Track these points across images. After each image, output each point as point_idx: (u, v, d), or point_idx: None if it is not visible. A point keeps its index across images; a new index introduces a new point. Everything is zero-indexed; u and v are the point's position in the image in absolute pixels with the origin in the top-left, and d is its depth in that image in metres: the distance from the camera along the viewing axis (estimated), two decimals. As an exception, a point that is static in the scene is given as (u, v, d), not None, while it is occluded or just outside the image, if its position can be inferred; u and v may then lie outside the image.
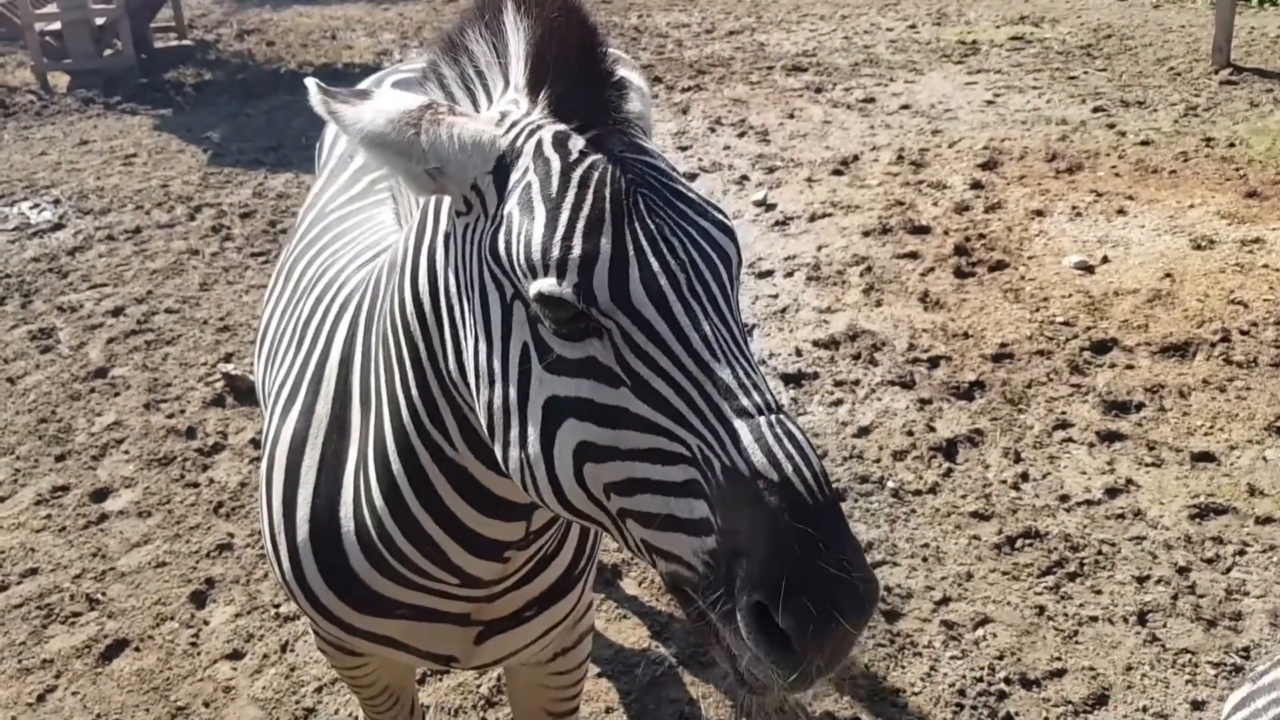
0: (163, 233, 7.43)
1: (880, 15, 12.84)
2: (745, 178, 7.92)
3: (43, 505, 4.63)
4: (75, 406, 5.34)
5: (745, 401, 1.38)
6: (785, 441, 1.36)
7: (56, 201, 8.15)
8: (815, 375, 5.26)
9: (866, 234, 6.74)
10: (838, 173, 7.83)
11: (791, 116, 9.21)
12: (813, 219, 7.09)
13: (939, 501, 4.32)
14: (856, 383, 5.16)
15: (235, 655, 3.77)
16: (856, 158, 8.09)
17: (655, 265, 1.45)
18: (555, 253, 1.44)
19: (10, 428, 5.20)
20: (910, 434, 4.72)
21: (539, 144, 1.53)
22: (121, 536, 4.41)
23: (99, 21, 11.91)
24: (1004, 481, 4.42)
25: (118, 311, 6.28)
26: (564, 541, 2.04)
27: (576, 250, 1.44)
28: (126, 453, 4.95)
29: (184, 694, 3.63)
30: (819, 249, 6.64)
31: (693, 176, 8.01)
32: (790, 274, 6.35)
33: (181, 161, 8.91)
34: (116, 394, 5.44)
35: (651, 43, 12.13)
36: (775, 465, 1.34)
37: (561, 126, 1.53)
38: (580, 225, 1.46)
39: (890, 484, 4.43)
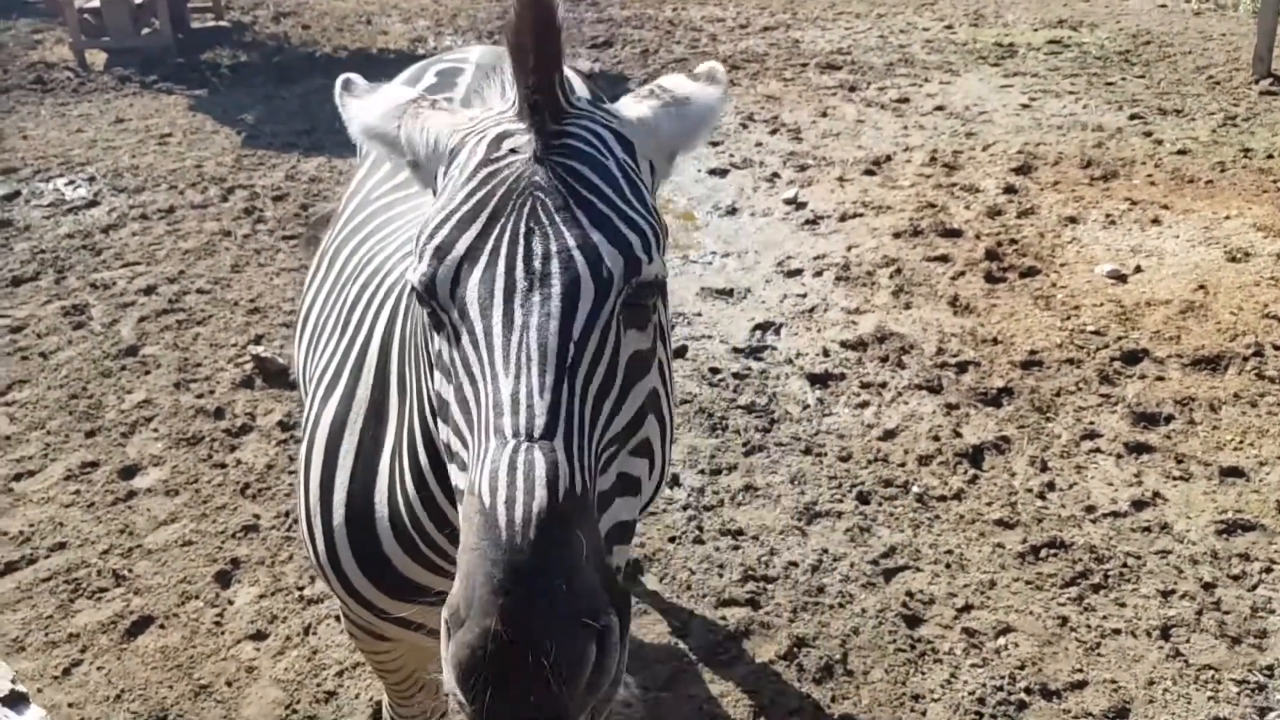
0: (196, 213, 7.48)
1: (916, 15, 12.75)
2: (776, 175, 7.89)
3: (72, 480, 4.68)
4: (106, 383, 5.40)
5: (506, 420, 1.35)
6: (516, 471, 1.30)
7: (92, 179, 8.21)
8: (842, 376, 5.24)
9: (897, 235, 6.71)
10: (870, 173, 7.80)
11: (824, 115, 9.17)
12: (843, 219, 7.06)
13: (964, 508, 4.31)
14: (884, 385, 5.14)
15: (258, 636, 3.81)
16: (889, 158, 8.05)
17: (500, 268, 1.44)
18: (422, 240, 1.49)
19: (42, 402, 5.26)
20: (936, 439, 4.71)
21: (478, 141, 1.56)
22: (149, 514, 4.45)
23: (137, 0, 11.98)
24: (1030, 490, 4.40)
25: (150, 290, 6.33)
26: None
27: (437, 240, 1.48)
28: (155, 431, 5.00)
29: (207, 672, 3.67)
30: (849, 249, 6.61)
31: (723, 173, 8.00)
32: (819, 273, 6.33)
33: (216, 142, 8.96)
34: (147, 372, 5.48)
35: (685, 36, 12.10)
36: (492, 491, 1.30)
37: (508, 127, 1.55)
38: (456, 218, 1.49)
39: (915, 489, 4.41)
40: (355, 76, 1.90)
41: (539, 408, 1.36)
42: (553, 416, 1.36)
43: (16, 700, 0.62)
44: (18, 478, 4.72)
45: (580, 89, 2.84)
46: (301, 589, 4.01)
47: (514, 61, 1.51)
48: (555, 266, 1.43)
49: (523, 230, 1.45)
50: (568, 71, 2.87)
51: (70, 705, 3.53)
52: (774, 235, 6.92)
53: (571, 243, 1.45)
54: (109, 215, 7.50)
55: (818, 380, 5.21)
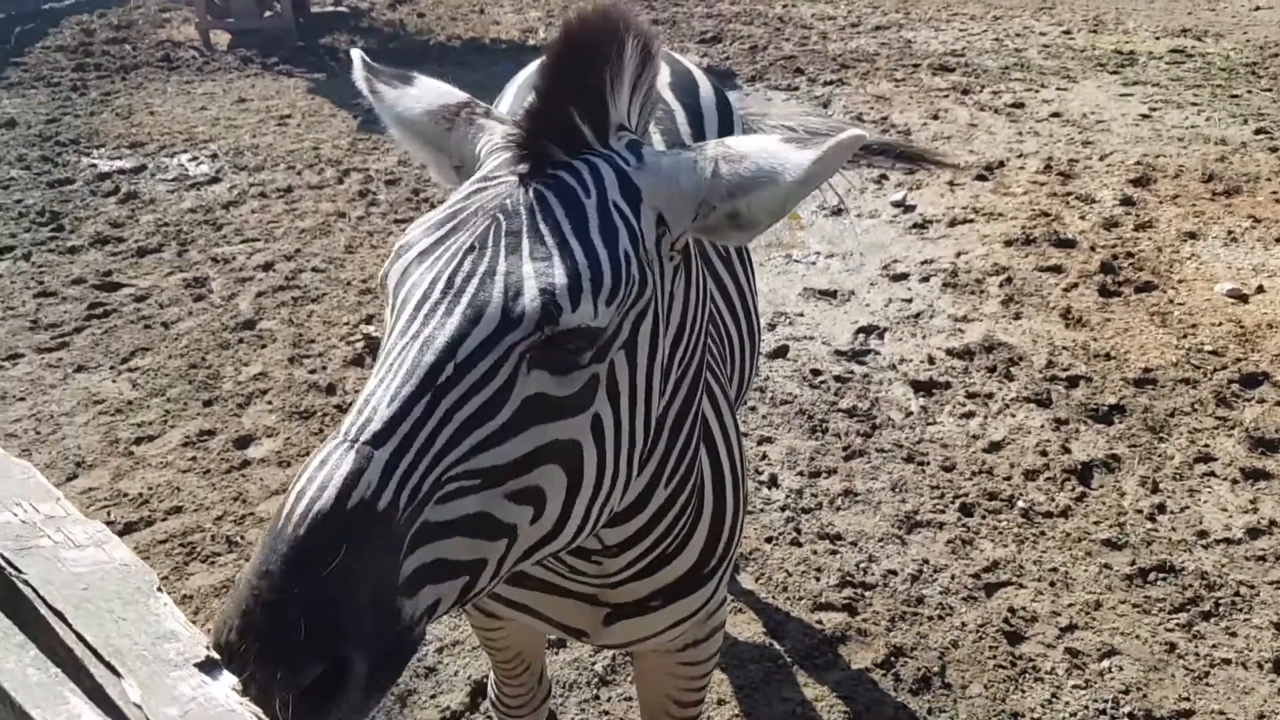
0: (312, 193, 7.68)
1: (1034, 18, 12.48)
2: (884, 177, 7.81)
3: (189, 447, 4.86)
4: (224, 355, 5.59)
5: (347, 420, 1.35)
6: (321, 469, 1.28)
7: (214, 156, 8.49)
8: (947, 385, 5.17)
9: (1008, 243, 6.59)
10: (981, 178, 7.67)
11: (935, 117, 9.04)
12: (953, 224, 6.96)
13: (1070, 526, 4.22)
14: (990, 396, 5.07)
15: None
16: (1002, 164, 7.90)
17: (430, 275, 1.45)
18: (399, 239, 1.54)
19: (163, 370, 5.46)
20: (1044, 454, 4.62)
21: (495, 157, 1.60)
22: (261, 483, 4.60)
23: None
24: (1140, 511, 4.29)
25: (267, 266, 6.53)
26: (686, 543, 2.04)
27: (405, 238, 1.52)
28: (270, 403, 5.16)
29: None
30: (958, 255, 6.52)
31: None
32: (926, 279, 6.25)
33: (333, 125, 9.19)
34: (263, 345, 5.66)
35: (795, 34, 12.02)
36: (295, 481, 1.28)
37: (517, 150, 1.56)
38: (431, 223, 1.52)
39: (1020, 503, 4.34)
40: (361, 55, 1.90)
41: (380, 415, 1.33)
42: (389, 427, 1.32)
43: (211, 666, 0.66)
44: (138, 441, 4.92)
45: (665, 98, 2.84)
46: (405, 566, 4.10)
47: (539, 77, 1.54)
48: (472, 286, 1.41)
49: (466, 245, 1.46)
50: (664, 78, 2.89)
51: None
52: (880, 237, 6.85)
53: (500, 268, 1.42)
54: (230, 192, 7.74)
55: (922, 388, 5.15)
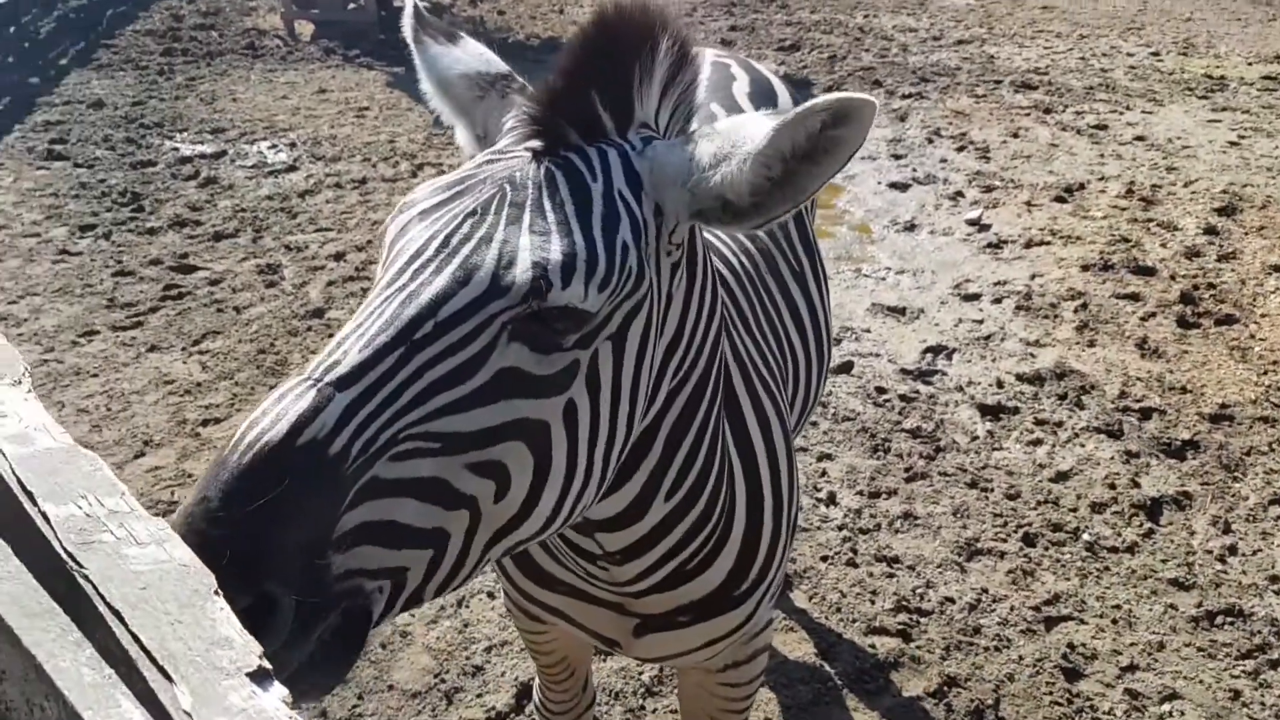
0: (386, 186, 7.76)
1: (1121, 38, 12.21)
2: (960, 194, 7.69)
3: (254, 431, 4.92)
4: (293, 342, 5.66)
5: (314, 362, 1.32)
6: (279, 403, 1.25)
7: (292, 145, 8.62)
8: (1015, 410, 5.07)
9: (1085, 268, 6.44)
10: (1060, 200, 7.51)
11: (1015, 135, 8.88)
12: (1028, 245, 6.82)
13: (1136, 562, 4.11)
14: (1059, 424, 4.95)
15: (415, 603, 3.93)
16: (1082, 186, 7.74)
17: (428, 234, 1.43)
18: (409, 194, 1.54)
19: (232, 354, 5.55)
20: (1112, 487, 4.50)
21: (509, 132, 1.60)
22: (322, 472, 4.64)
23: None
24: (1210, 552, 4.17)
25: (339, 256, 6.60)
26: (712, 561, 1.99)
27: (409, 196, 1.52)
28: (333, 393, 5.20)
29: (365, 632, 3.80)
30: (1032, 278, 6.39)
31: (904, 187, 7.84)
32: (998, 300, 6.14)
33: (409, 119, 9.28)
34: (330, 334, 5.72)
35: (875, 45, 11.90)
36: (251, 415, 1.26)
37: (533, 127, 1.55)
38: (440, 184, 1.52)
39: (1085, 536, 4.23)
40: (416, 3, 1.89)
41: (350, 359, 1.30)
42: (356, 373, 1.28)
43: (263, 676, 0.65)
44: (204, 423, 4.99)
45: (742, 106, 2.81)
46: (458, 562, 4.11)
47: (566, 58, 1.54)
48: (466, 249, 1.40)
49: (468, 209, 1.45)
50: (742, 86, 2.85)
51: (238, 646, 3.71)
52: (953, 256, 6.74)
53: (498, 236, 1.41)
54: (306, 181, 7.85)
55: (989, 412, 5.06)
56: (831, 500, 4.44)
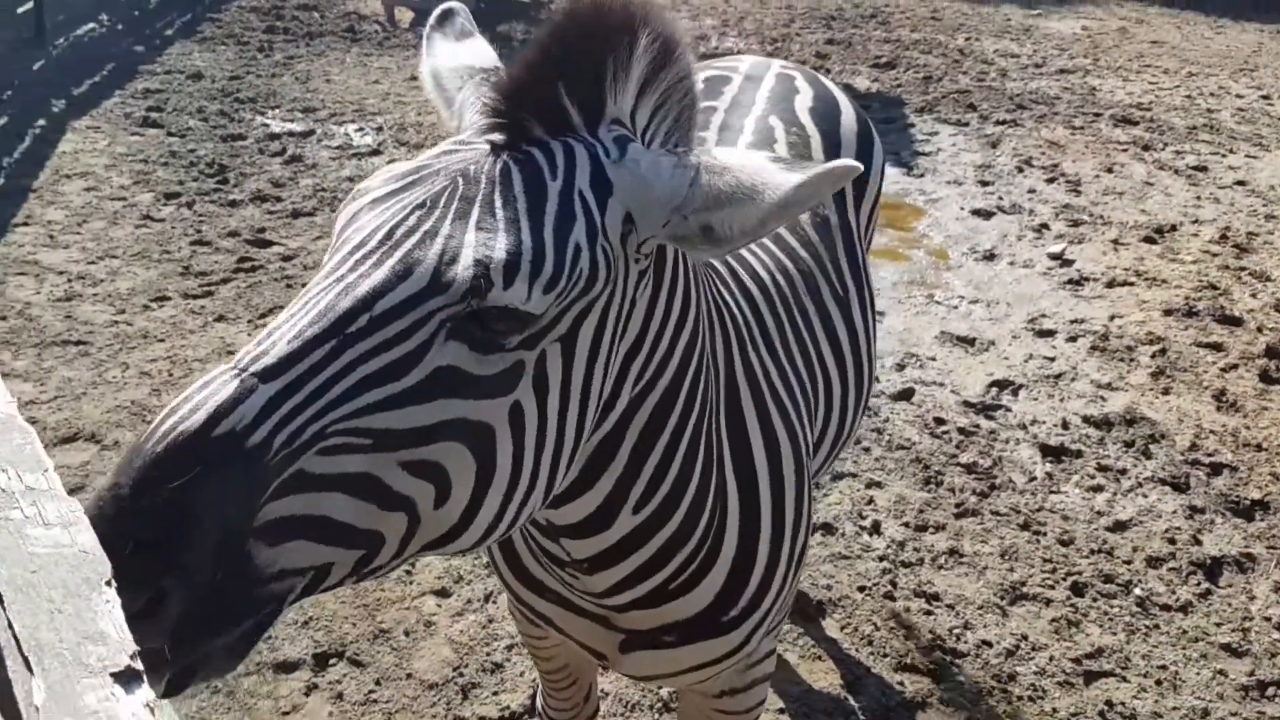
0: (464, 175, 7.81)
1: (1232, 79, 11.80)
2: (1045, 226, 7.48)
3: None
4: (354, 323, 5.70)
5: (242, 351, 1.28)
6: (200, 391, 1.22)
7: (379, 129, 8.73)
8: (1079, 454, 4.89)
9: (1168, 313, 6.21)
10: (1149, 240, 7.26)
11: (1110, 170, 8.62)
12: (1111, 285, 6.60)
13: (1188, 623, 3.93)
14: (1123, 472, 4.77)
15: (442, 593, 3.92)
16: (1174, 228, 7.47)
17: (374, 225, 1.39)
18: (364, 181, 1.50)
19: (295, 330, 5.61)
20: (1172, 541, 4.31)
21: (469, 124, 1.57)
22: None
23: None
24: (1268, 619, 3.96)
25: (409, 242, 6.65)
26: (696, 582, 1.93)
27: (364, 183, 1.48)
28: (388, 377, 5.23)
29: (389, 618, 3.81)
30: (1111, 319, 6.18)
31: (987, 215, 7.66)
32: (1073, 339, 5.94)
33: (495, 110, 9.33)
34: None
35: (974, 68, 11.67)
36: (171, 402, 1.22)
37: (495, 119, 1.50)
38: (395, 173, 1.47)
39: (1138, 590, 4.06)
40: (459, 7, 1.87)
41: (277, 350, 1.26)
42: (282, 364, 1.25)
43: (130, 678, 0.62)
44: (262, 396, 5.05)
45: (802, 122, 2.73)
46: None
47: (532, 49, 1.50)
48: (410, 242, 1.35)
49: (417, 201, 1.41)
50: (804, 102, 2.77)
51: (264, 621, 3.73)
52: (1031, 289, 6.55)
53: (444, 230, 1.36)
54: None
55: (1051, 453, 4.89)
56: (875, 530, 4.33)
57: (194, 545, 1.15)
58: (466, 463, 1.37)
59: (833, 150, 2.72)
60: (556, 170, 1.45)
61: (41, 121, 8.17)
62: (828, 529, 4.31)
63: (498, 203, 1.39)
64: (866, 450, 4.84)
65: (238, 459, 1.19)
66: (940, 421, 5.09)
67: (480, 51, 1.78)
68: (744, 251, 2.21)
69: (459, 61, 1.75)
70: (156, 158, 7.77)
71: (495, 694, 3.53)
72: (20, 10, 9.41)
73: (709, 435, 1.81)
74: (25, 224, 6.54)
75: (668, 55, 1.54)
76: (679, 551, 1.85)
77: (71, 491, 4.21)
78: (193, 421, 1.18)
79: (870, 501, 4.49)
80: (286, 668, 3.59)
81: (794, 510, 2.02)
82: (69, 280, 5.91)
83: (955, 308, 6.31)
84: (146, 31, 11.05)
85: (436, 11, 1.88)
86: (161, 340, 5.47)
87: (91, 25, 10.60)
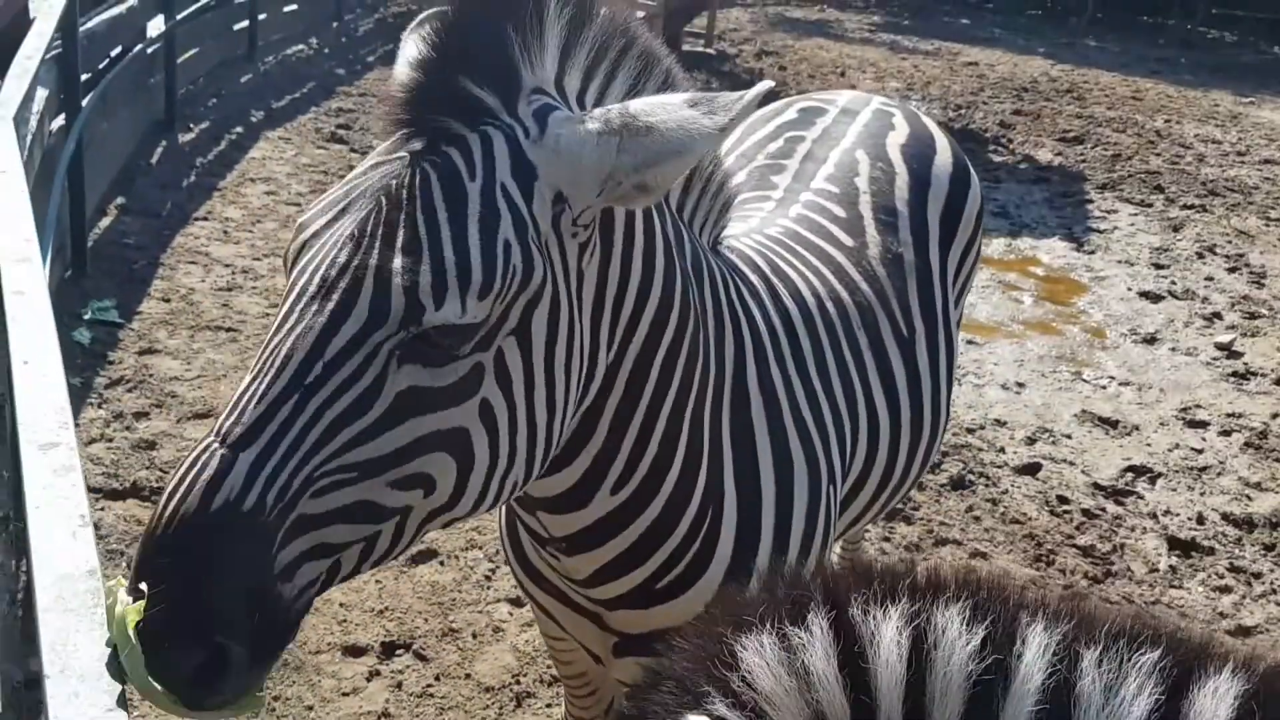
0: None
1: None
2: (1217, 315, 7.03)
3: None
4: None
5: (219, 419, 1.35)
6: (191, 470, 1.31)
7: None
8: (1210, 551, 4.55)
9: (1339, 417, 5.73)
10: (1332, 341, 6.73)
11: (1301, 265, 8.05)
12: (1279, 383, 6.15)
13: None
14: (1257, 576, 4.40)
15: (516, 602, 3.95)
16: (1363, 331, 6.91)
17: (312, 264, 1.39)
18: (304, 213, 1.49)
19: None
20: (1300, 656, 3.94)
21: (398, 131, 1.52)
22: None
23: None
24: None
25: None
26: (687, 585, 1.90)
27: (304, 217, 1.47)
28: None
29: (461, 619, 3.86)
30: (1274, 417, 5.74)
31: (1156, 298, 7.27)
32: (1227, 433, 5.55)
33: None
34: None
35: (1168, 151, 11.14)
36: (169, 484, 1.32)
37: (407, 127, 1.49)
38: (326, 201, 1.46)
39: (1250, 702, 3.72)
40: (436, 12, 1.87)
41: (248, 416, 1.33)
42: (255, 429, 1.32)
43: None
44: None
45: (891, 158, 2.66)
46: (570, 574, 4.11)
47: (425, 45, 1.49)
48: (344, 282, 1.37)
49: (346, 233, 1.40)
50: (897, 138, 2.70)
51: (341, 604, 3.85)
52: (1189, 378, 6.17)
53: (372, 263, 1.36)
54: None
55: (1179, 546, 4.56)
56: (971, 600, 4.12)
57: (228, 604, 1.29)
58: (448, 464, 1.44)
59: (920, 189, 2.65)
60: (475, 168, 1.45)
61: (239, 129, 8.79)
62: (919, 592, 4.13)
63: (419, 219, 1.40)
64: (977, 520, 4.63)
65: (239, 525, 1.31)
66: (1063, 500, 4.82)
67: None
68: (788, 270, 2.17)
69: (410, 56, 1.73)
70: (336, 170, 8.22)
71: (548, 706, 3.52)
72: (236, 27, 10.18)
73: (694, 423, 1.78)
74: (205, 219, 7.03)
75: (586, 13, 1.54)
76: (662, 544, 1.82)
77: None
78: (190, 503, 1.29)
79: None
80: (355, 651, 3.69)
81: (801, 535, 1.95)
82: (233, 273, 6.31)
83: (1103, 388, 6.00)
84: (349, 56, 11.75)
85: (415, 23, 1.87)
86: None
87: (300, 46, 11.36)
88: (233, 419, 1.34)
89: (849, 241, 2.42)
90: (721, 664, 1.08)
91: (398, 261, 1.37)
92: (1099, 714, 1.02)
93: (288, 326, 1.38)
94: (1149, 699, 1.01)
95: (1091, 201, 9.36)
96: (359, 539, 1.42)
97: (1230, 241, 8.52)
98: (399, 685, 3.56)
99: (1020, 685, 1.04)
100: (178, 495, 1.30)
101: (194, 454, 1.34)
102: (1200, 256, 8.14)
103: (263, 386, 1.35)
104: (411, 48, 1.68)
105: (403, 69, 1.61)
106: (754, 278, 2.06)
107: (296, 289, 1.41)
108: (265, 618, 1.33)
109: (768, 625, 1.09)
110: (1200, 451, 5.36)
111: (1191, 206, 9.31)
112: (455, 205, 1.42)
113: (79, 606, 1.45)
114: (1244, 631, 4.05)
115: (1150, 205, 9.30)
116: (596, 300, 1.59)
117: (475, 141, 1.46)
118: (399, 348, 1.37)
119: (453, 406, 1.42)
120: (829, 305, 2.22)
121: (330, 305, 1.37)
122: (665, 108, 1.48)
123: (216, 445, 1.33)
